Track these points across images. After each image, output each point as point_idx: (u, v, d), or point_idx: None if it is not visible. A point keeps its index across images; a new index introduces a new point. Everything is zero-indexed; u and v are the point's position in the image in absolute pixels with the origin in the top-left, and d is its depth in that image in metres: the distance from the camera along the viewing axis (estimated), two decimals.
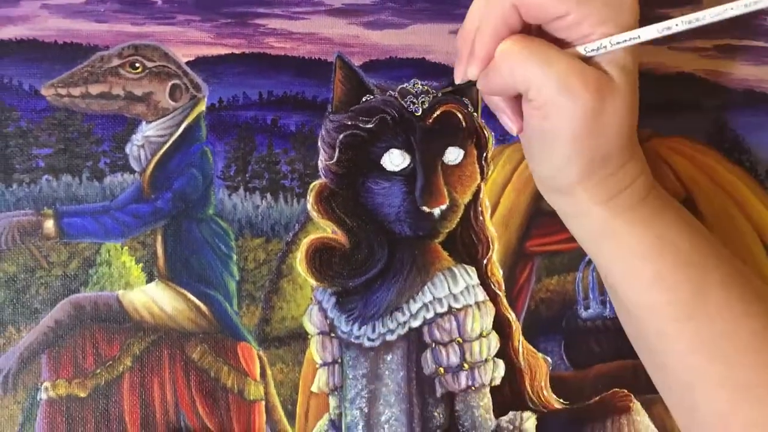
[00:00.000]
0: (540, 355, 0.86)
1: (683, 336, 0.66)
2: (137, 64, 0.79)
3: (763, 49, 0.96)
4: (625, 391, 0.87)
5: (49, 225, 0.77)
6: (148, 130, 0.79)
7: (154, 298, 0.78)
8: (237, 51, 0.81)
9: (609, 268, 0.71)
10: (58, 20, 0.77)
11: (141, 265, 0.79)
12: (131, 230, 0.79)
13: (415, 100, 0.82)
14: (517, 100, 0.71)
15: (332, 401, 0.82)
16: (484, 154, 0.86)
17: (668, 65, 0.91)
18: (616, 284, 0.71)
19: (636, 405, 0.87)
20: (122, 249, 0.78)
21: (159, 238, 0.79)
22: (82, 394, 0.77)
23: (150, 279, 0.79)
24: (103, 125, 0.78)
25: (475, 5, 0.66)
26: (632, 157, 0.69)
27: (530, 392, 0.86)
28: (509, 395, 0.85)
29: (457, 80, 0.71)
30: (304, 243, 0.81)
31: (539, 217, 0.86)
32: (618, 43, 0.62)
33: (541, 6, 0.62)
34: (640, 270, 0.68)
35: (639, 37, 0.62)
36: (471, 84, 0.70)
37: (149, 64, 0.79)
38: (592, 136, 0.64)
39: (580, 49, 0.63)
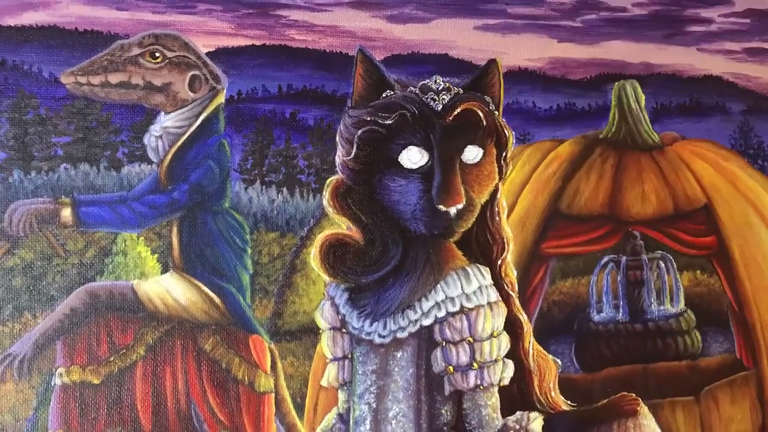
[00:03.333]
0: (550, 357, 0.85)
1: None
2: (157, 54, 0.78)
3: None
4: (633, 395, 0.87)
5: (67, 213, 0.78)
6: (167, 121, 0.79)
7: (168, 289, 0.78)
8: (257, 42, 0.80)
9: None
10: (79, 7, 0.76)
11: (156, 255, 0.79)
12: (147, 221, 0.79)
13: (435, 97, 0.80)
14: None
15: (341, 395, 0.82)
16: (504, 154, 0.84)
17: (697, 67, 0.89)
18: None
19: (644, 409, 0.86)
20: (138, 239, 0.79)
21: (174, 229, 0.79)
22: (96, 381, 0.78)
23: (165, 270, 0.79)
24: (122, 115, 0.78)
25: None
26: None
27: (538, 393, 0.85)
28: (517, 395, 0.84)
29: None
30: (319, 238, 0.81)
31: (556, 219, 0.85)
32: None
33: None
34: None
35: None
36: None
37: (169, 54, 0.78)
38: None
39: None
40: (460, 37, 0.84)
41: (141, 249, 0.78)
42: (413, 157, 0.83)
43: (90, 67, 0.77)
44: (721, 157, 0.94)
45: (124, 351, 0.78)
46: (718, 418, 0.89)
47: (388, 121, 0.82)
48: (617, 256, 0.87)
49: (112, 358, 0.78)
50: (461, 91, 0.85)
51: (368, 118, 0.83)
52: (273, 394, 0.80)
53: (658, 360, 0.88)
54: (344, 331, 0.85)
